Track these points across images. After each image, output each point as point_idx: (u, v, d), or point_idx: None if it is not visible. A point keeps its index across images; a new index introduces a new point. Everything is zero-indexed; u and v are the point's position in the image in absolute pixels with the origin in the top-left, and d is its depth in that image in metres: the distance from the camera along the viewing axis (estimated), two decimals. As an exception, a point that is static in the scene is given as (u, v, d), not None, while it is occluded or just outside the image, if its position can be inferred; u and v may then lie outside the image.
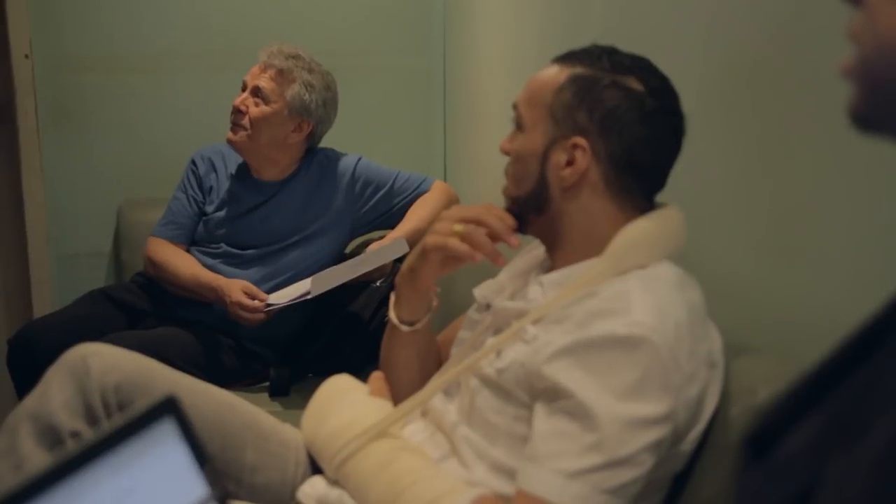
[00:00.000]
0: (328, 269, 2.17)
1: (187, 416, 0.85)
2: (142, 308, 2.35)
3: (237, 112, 2.28)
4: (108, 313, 2.29)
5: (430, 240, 1.32)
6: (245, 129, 2.27)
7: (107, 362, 1.29)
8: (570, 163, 1.24)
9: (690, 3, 1.57)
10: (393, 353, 1.45)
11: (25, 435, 1.22)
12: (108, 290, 2.41)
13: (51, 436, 1.23)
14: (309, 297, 2.11)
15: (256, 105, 2.27)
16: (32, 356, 2.10)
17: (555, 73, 1.27)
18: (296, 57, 2.30)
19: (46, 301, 2.69)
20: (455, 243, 1.28)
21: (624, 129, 1.22)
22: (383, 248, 2.19)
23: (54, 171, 2.66)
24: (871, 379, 0.51)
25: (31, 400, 1.27)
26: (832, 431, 0.51)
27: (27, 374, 2.09)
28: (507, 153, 1.33)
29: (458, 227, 1.28)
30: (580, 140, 1.23)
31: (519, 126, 1.30)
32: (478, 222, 1.28)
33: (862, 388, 0.52)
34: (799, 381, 0.60)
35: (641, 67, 1.25)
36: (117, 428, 0.78)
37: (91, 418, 1.25)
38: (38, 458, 1.20)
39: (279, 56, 2.28)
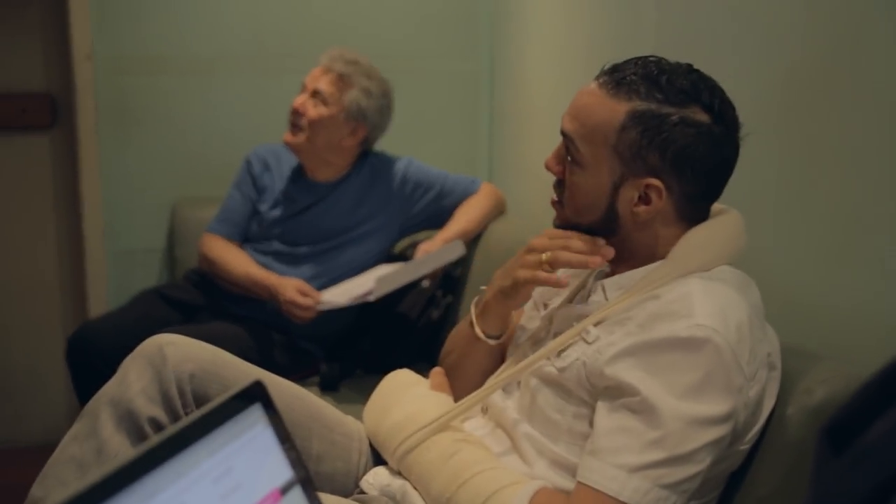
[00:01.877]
0: (389, 272, 2.21)
1: (273, 401, 0.89)
2: (195, 304, 2.41)
3: (296, 113, 2.34)
4: (162, 312, 2.35)
5: (521, 274, 1.32)
6: (303, 131, 2.33)
7: (182, 352, 1.34)
8: (642, 199, 1.23)
9: (746, 12, 1.59)
10: (470, 359, 1.46)
11: (106, 420, 1.27)
12: (161, 288, 2.48)
13: (129, 421, 1.28)
14: (371, 298, 2.15)
15: (315, 107, 2.32)
16: (89, 357, 2.17)
17: (610, 107, 1.22)
18: (356, 63, 2.35)
19: (101, 295, 2.76)
20: (543, 276, 1.30)
21: (696, 164, 1.21)
22: (441, 250, 2.24)
23: (111, 169, 2.73)
24: None
25: (111, 386, 1.32)
26: None
27: (85, 373, 2.17)
28: (555, 174, 1.31)
29: (545, 256, 1.30)
30: (654, 181, 1.22)
31: (577, 161, 1.27)
32: (564, 247, 1.29)
33: None
34: (878, 373, 0.62)
35: (699, 89, 1.22)
36: (211, 411, 0.82)
37: (167, 405, 1.30)
38: (117, 442, 1.25)
39: (340, 61, 2.34)
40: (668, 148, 1.20)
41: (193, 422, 0.80)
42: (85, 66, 2.65)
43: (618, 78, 1.24)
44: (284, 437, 0.88)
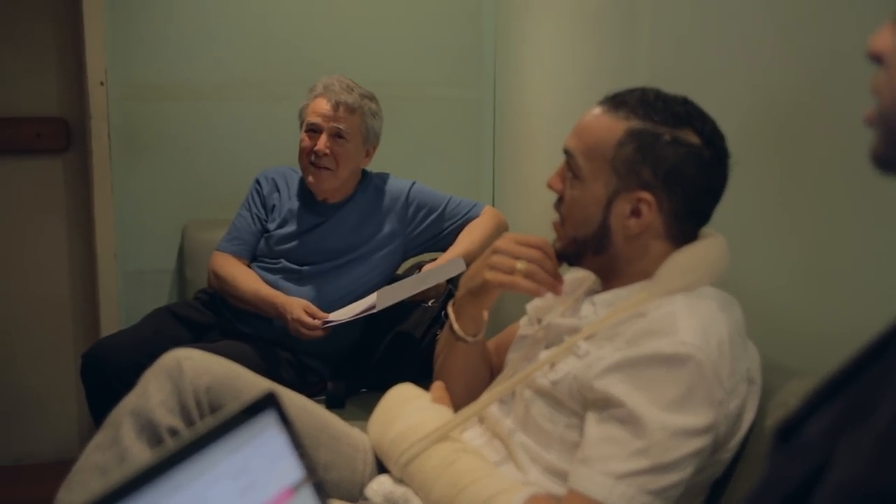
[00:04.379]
0: (391, 286, 2.29)
1: (286, 409, 0.97)
2: (205, 323, 2.48)
3: (317, 154, 2.41)
4: (173, 330, 2.42)
5: (491, 276, 1.40)
6: (329, 170, 2.42)
7: (199, 365, 1.42)
8: (634, 212, 1.32)
9: (733, 50, 1.67)
10: (454, 363, 1.55)
11: (127, 429, 1.35)
12: (172, 307, 2.54)
13: (149, 431, 1.35)
14: (374, 310, 2.23)
15: (339, 145, 2.41)
16: (104, 373, 2.23)
17: (609, 125, 1.33)
18: (352, 88, 2.43)
19: (113, 314, 2.83)
20: (523, 283, 1.38)
21: (686, 182, 1.30)
22: (442, 266, 2.32)
23: (123, 192, 2.81)
24: (882, 374, 0.62)
25: (132, 398, 1.39)
26: (846, 417, 0.60)
27: (98, 388, 2.24)
28: (557, 192, 1.41)
29: (521, 266, 1.39)
30: (646, 195, 1.31)
31: (577, 175, 1.36)
32: (532, 261, 1.39)
33: (873, 381, 0.62)
34: (822, 381, 0.70)
35: (692, 115, 1.33)
36: (229, 417, 0.90)
37: (185, 416, 1.38)
38: (138, 450, 1.33)
39: (343, 93, 2.41)
40: (660, 164, 1.30)
41: (213, 426, 0.88)
42: (99, 92, 2.74)
43: (618, 101, 1.35)
44: (295, 440, 0.96)
